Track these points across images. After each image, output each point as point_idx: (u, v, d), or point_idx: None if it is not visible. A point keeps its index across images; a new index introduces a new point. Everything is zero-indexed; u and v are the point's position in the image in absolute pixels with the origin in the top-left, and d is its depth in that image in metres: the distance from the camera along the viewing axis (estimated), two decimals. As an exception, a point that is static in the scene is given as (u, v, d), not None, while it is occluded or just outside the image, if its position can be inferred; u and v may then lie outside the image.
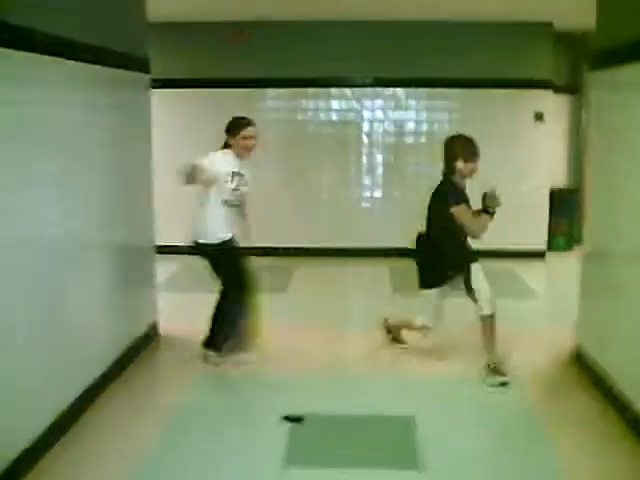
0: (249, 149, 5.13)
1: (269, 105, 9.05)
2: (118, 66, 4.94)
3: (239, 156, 5.12)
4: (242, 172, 5.11)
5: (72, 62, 4.15)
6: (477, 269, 4.90)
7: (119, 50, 4.95)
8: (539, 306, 7.20)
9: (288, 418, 4.25)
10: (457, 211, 4.81)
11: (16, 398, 3.54)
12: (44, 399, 3.87)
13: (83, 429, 4.13)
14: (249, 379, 4.98)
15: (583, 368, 5.03)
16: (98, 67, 4.56)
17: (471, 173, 4.93)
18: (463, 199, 4.87)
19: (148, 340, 5.58)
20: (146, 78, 5.63)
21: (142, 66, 5.51)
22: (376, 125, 9.01)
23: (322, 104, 9.01)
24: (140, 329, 5.47)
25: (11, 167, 3.49)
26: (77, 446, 3.93)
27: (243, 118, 5.18)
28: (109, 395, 4.61)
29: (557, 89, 9.08)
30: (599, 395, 4.60)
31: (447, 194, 4.89)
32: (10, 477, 3.40)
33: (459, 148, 4.92)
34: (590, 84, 5.38)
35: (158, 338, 5.79)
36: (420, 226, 5.15)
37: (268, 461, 3.80)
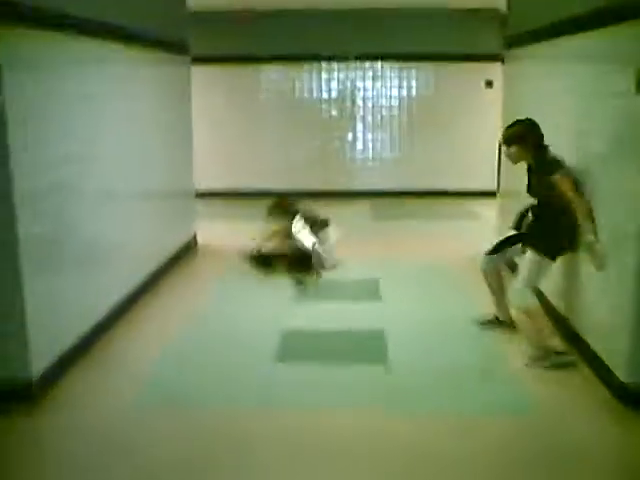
0: None
1: (272, 77, 11.24)
2: (169, 51, 7.00)
3: None
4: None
5: (136, 48, 5.94)
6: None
7: (170, 39, 7.04)
8: (480, 226, 9.30)
9: (296, 281, 6.52)
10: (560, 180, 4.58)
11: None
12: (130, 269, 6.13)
13: (160, 289, 6.40)
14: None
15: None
16: (155, 52, 6.53)
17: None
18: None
19: (189, 247, 7.80)
20: (187, 58, 7.77)
21: (184, 50, 7.65)
22: (357, 91, 11.20)
23: (314, 76, 11.19)
24: (185, 239, 7.70)
25: (94, 124, 5.05)
26: (157, 299, 6.20)
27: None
28: (171, 274, 6.85)
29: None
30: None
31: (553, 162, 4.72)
32: (97, 333, 5.14)
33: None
34: (506, 59, 7.52)
35: (196, 246, 8.03)
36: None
37: (285, 299, 6.09)
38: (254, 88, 11.17)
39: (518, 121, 4.95)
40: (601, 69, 4.51)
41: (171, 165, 7.26)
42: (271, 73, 11.20)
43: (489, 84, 10.93)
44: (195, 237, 8.06)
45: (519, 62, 6.77)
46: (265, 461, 3.59)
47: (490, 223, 8.05)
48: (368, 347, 5.03)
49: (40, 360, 4.19)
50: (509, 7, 7.25)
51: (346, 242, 8.36)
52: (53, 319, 4.35)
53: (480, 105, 10.87)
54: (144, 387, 4.39)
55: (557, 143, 4.87)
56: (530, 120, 4.87)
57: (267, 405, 4.19)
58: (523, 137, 4.81)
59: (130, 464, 3.55)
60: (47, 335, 4.27)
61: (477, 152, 10.78)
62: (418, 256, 7.42)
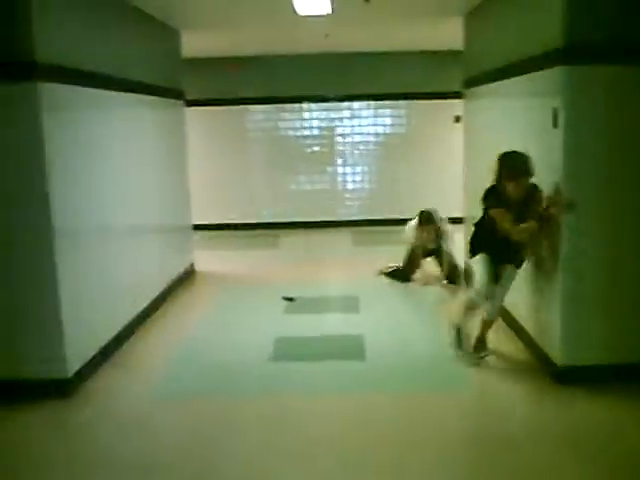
0: None
1: (257, 117, 12.19)
2: (167, 96, 7.95)
3: None
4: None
5: (139, 95, 6.87)
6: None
7: (167, 86, 7.98)
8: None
9: (285, 298, 7.38)
10: (493, 213, 5.13)
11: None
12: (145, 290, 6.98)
13: (167, 308, 7.25)
14: (258, 287, 8.08)
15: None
16: (154, 97, 7.43)
17: (514, 191, 5.03)
18: (501, 204, 5.08)
19: (188, 273, 8.66)
20: (182, 102, 8.71)
21: (180, 94, 8.61)
22: (336, 129, 12.16)
23: (297, 115, 12.17)
24: (183, 267, 8.53)
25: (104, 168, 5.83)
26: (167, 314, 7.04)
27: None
28: (174, 296, 7.70)
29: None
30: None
31: (485, 197, 5.22)
32: (116, 344, 6.36)
33: (503, 168, 5.10)
34: (465, 97, 8.47)
35: (195, 273, 8.88)
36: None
37: (276, 313, 6.96)
38: (242, 128, 12.10)
39: (520, 153, 5.13)
40: (533, 106, 5.44)
41: (171, 201, 8.12)
42: (257, 114, 12.14)
43: (457, 119, 11.89)
44: (193, 265, 8.91)
45: (475, 99, 7.71)
46: (262, 439, 4.38)
47: (460, 245, 8.93)
48: (349, 348, 5.89)
49: (74, 362, 5.05)
50: (465, 51, 8.23)
51: (330, 264, 9.30)
52: (83, 331, 5.20)
53: (449, 138, 11.83)
54: (159, 384, 5.22)
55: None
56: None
57: (264, 394, 5.03)
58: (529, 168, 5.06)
59: (148, 444, 4.33)
60: (79, 343, 5.13)
61: (448, 182, 11.67)
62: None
